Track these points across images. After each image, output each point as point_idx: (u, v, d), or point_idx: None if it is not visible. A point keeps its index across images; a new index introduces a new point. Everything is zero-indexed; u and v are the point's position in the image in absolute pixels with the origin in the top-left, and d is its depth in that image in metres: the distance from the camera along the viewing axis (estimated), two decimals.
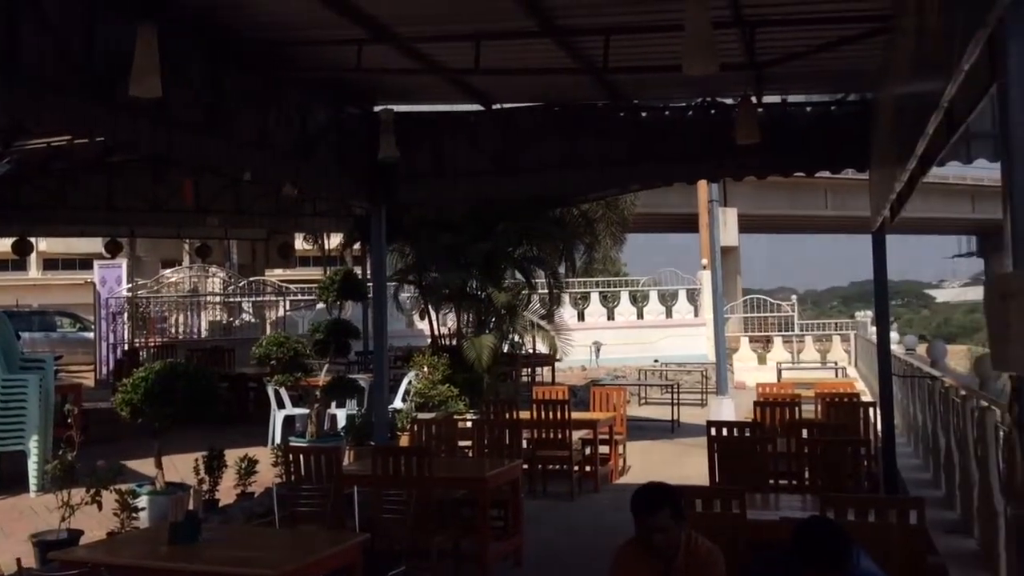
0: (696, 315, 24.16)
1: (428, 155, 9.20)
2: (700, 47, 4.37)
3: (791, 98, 8.65)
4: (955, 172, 34.90)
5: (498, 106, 8.98)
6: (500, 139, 8.93)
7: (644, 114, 8.68)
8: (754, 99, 7.94)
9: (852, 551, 3.50)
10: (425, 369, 11.80)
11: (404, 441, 9.54)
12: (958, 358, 25.86)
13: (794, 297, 29.12)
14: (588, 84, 8.04)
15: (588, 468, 10.24)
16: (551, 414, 9.80)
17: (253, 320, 22.16)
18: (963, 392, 6.03)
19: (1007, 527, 3.62)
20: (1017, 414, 2.42)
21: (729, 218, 34.58)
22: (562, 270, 15.67)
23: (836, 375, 19.87)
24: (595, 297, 25.13)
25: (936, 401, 7.34)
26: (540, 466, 9.97)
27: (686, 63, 4.52)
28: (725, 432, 7.54)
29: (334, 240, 21.05)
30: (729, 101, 8.21)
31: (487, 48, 7.00)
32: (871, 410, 9.29)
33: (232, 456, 8.20)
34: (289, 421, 11.27)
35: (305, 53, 7.42)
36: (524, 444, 9.65)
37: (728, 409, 14.14)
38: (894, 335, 13.06)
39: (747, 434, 7.65)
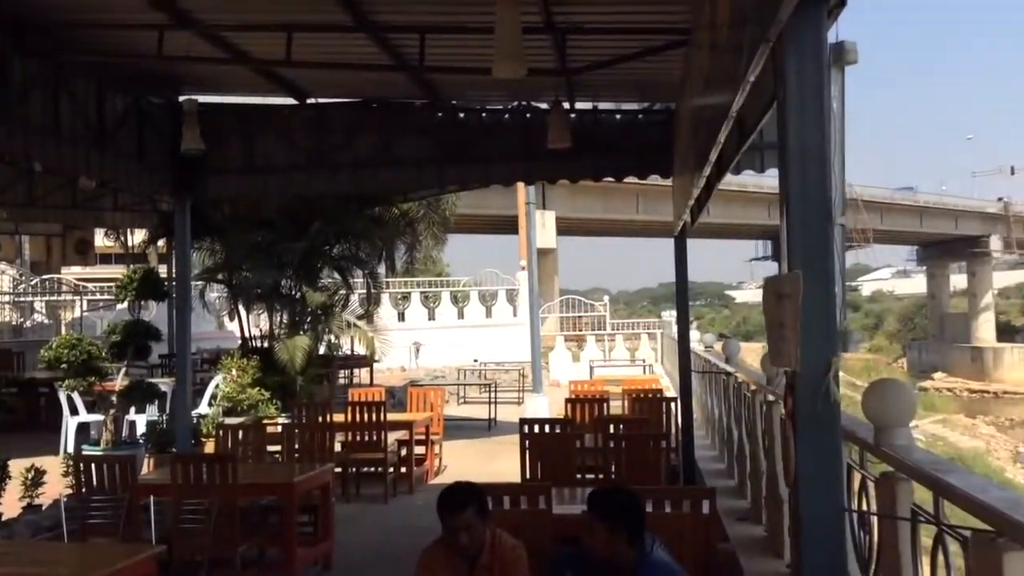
0: (515, 315, 24.61)
1: (238, 149, 8.87)
2: (509, 50, 4.43)
3: (602, 105, 8.94)
4: (754, 180, 37.27)
5: (313, 100, 8.78)
6: (315, 134, 8.73)
7: (462, 115, 8.73)
8: (567, 105, 8.15)
9: (643, 528, 3.64)
10: (234, 372, 11.37)
11: (209, 448, 9.13)
12: (754, 355, 27.62)
13: (606, 298, 30.21)
14: (405, 82, 7.99)
15: (403, 469, 10.18)
16: (366, 416, 9.68)
17: (47, 321, 20.63)
18: (753, 387, 6.43)
19: (790, 514, 3.88)
20: (791, 407, 2.58)
21: (547, 220, 35.43)
22: (382, 270, 15.51)
23: (644, 372, 20.74)
24: (416, 297, 25.10)
25: (730, 395, 7.79)
26: (354, 469, 9.83)
27: (496, 66, 4.57)
28: (536, 429, 7.69)
29: (139, 236, 19.91)
30: (544, 106, 8.40)
31: (300, 40, 6.82)
32: (673, 405, 9.73)
33: (18, 466, 7.58)
34: (84, 428, 10.56)
35: (100, 37, 6.95)
36: (338, 447, 9.48)
37: (542, 406, 14.47)
38: (695, 333, 13.79)
39: (557, 430, 7.83)
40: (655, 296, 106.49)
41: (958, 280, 71.14)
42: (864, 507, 3.57)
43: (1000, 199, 63.26)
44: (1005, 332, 67.19)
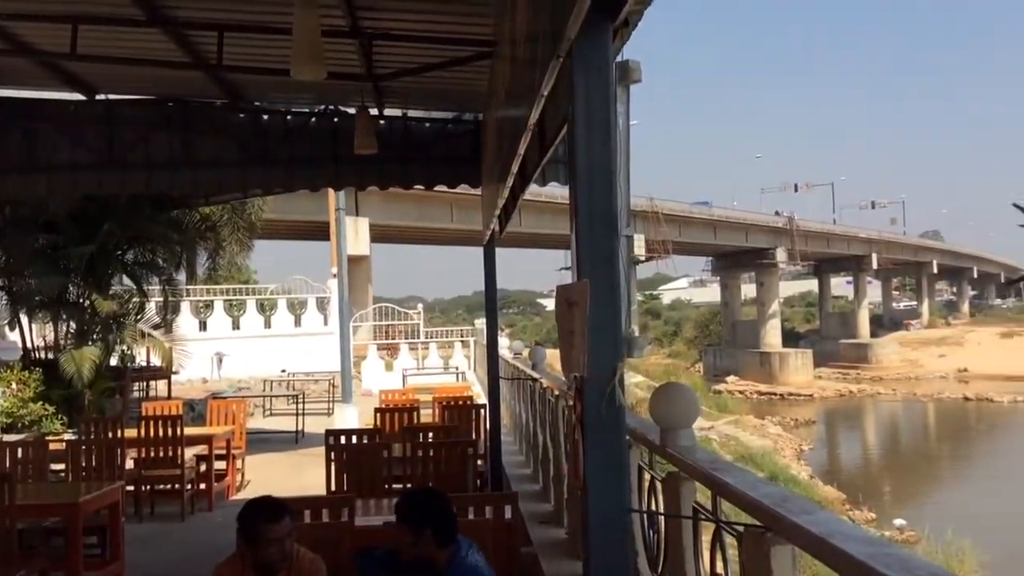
0: (325, 324, 24.12)
1: (18, 145, 8.20)
2: (307, 53, 4.33)
3: (412, 113, 8.91)
4: (562, 192, 38.20)
5: (103, 97, 8.24)
6: (105, 132, 8.20)
7: (265, 117, 8.46)
8: (375, 111, 8.07)
9: (452, 530, 3.64)
10: (13, 386, 10.48)
11: None
12: None
13: (420, 306, 30.18)
14: (204, 81, 7.65)
15: (202, 486, 9.71)
16: (161, 431, 9.17)
17: None
18: (556, 392, 6.59)
19: (579, 516, 4.00)
20: (580, 411, 2.65)
21: (360, 227, 35.01)
22: (182, 277, 14.77)
23: (457, 380, 20.88)
24: (219, 306, 24.10)
25: (536, 401, 7.95)
26: (148, 487, 9.28)
27: (294, 68, 4.45)
28: (343, 440, 7.54)
29: None
30: (353, 111, 8.27)
31: (87, 33, 6.38)
32: (483, 412, 9.83)
33: None
34: None
35: None
36: (131, 464, 8.93)
37: (352, 417, 14.23)
38: (504, 341, 14.02)
39: (365, 441, 7.72)
40: (470, 304, 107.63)
41: (748, 289, 76.36)
42: (653, 507, 3.74)
43: (777, 212, 68.48)
44: (790, 338, 72.72)
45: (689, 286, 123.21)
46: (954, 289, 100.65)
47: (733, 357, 65.87)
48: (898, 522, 22.96)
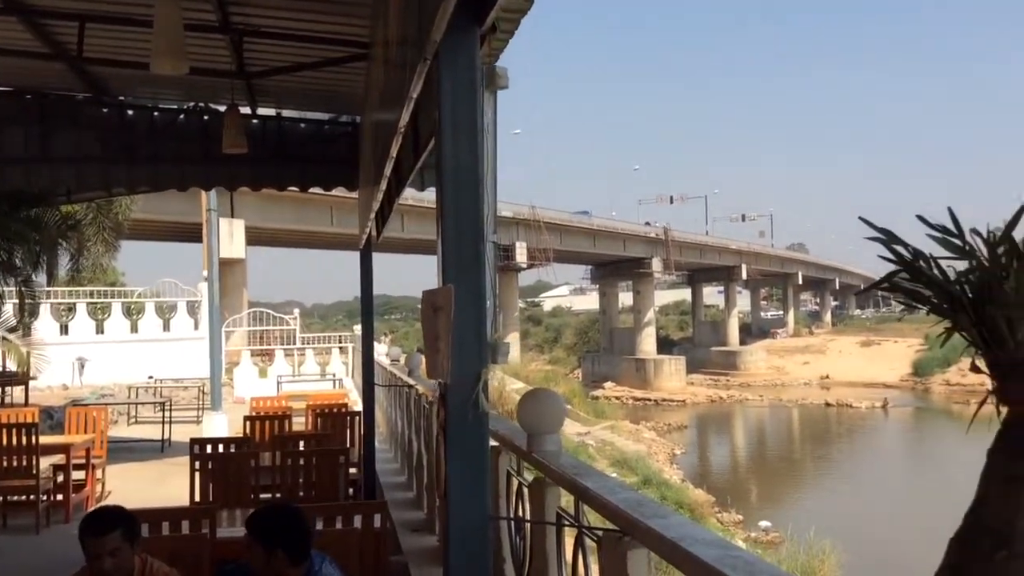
0: (196, 328, 23.30)
1: None
2: (168, 46, 4.16)
3: (287, 113, 8.70)
4: None
5: None
6: None
7: (131, 112, 8.09)
8: (248, 110, 7.84)
9: (305, 546, 3.55)
10: None
11: None
12: None
13: (296, 311, 29.52)
14: (65, 73, 7.25)
15: (59, 496, 9.21)
16: (14, 439, 8.65)
17: None
18: (430, 398, 6.55)
19: (443, 524, 3.97)
20: (443, 418, 2.63)
21: (236, 229, 34.05)
22: (42, 278, 14.00)
23: (334, 387, 20.51)
24: (82, 309, 22.95)
25: (411, 407, 7.88)
26: (0, 498, 8.74)
27: (154, 61, 4.27)
28: (210, 449, 7.30)
29: None
30: (224, 109, 8.01)
31: None
32: (358, 419, 9.68)
33: None
34: None
35: None
36: None
37: (221, 425, 13.80)
38: (383, 347, 13.85)
39: (232, 450, 7.48)
40: (351, 309, 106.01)
41: (626, 297, 78.08)
42: (521, 512, 3.74)
43: (647, 223, 70.36)
44: (664, 345, 74.78)
45: (570, 293, 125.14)
46: (817, 299, 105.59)
47: (611, 364, 67.24)
48: (763, 524, 23.88)
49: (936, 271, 2.25)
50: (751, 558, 1.79)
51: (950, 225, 2.23)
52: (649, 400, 58.57)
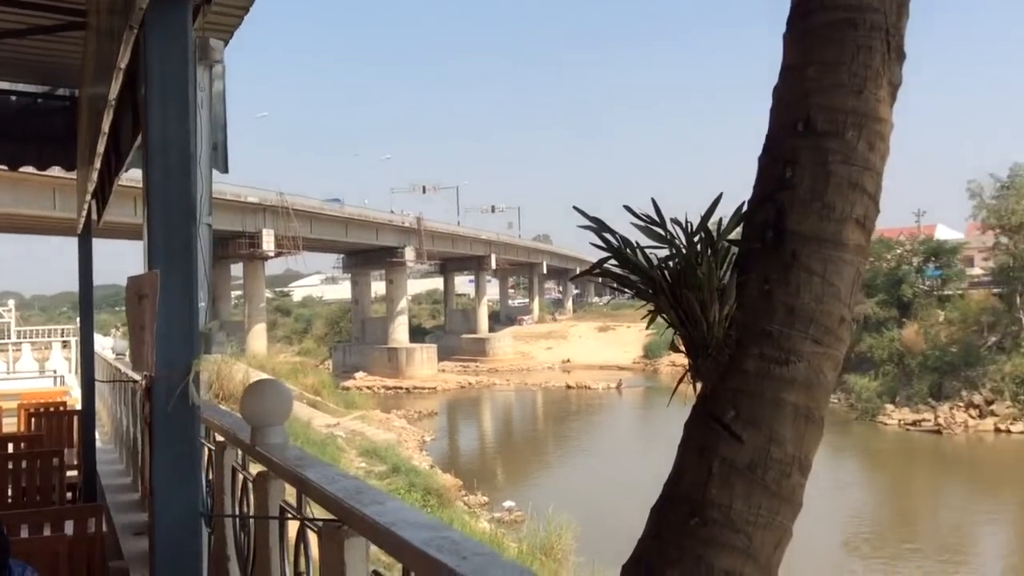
0: None
1: None
2: None
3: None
4: None
5: None
6: None
7: None
8: None
9: (5, 558, 3.22)
10: None
11: None
12: None
13: (11, 302, 26.82)
14: None
15: None
16: None
17: None
18: None
19: (149, 525, 3.75)
20: (149, 413, 2.46)
21: None
22: None
23: (55, 384, 18.81)
24: None
25: (135, 404, 7.39)
26: None
27: None
28: None
29: None
30: None
31: None
32: (76, 418, 8.94)
33: None
34: None
35: None
36: None
37: None
38: (109, 340, 12.87)
39: None
40: (76, 301, 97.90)
41: (379, 287, 77.86)
42: (246, 509, 3.60)
43: (392, 211, 70.49)
44: (417, 334, 75.39)
45: (321, 283, 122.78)
46: (560, 288, 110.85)
47: (362, 354, 66.80)
48: (507, 504, 24.75)
49: (643, 258, 2.41)
50: (458, 537, 1.82)
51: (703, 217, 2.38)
52: (401, 389, 58.87)
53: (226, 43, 4.51)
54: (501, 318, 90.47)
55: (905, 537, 24.23)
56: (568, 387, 59.21)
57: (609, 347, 72.13)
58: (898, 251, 52.55)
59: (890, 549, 22.90)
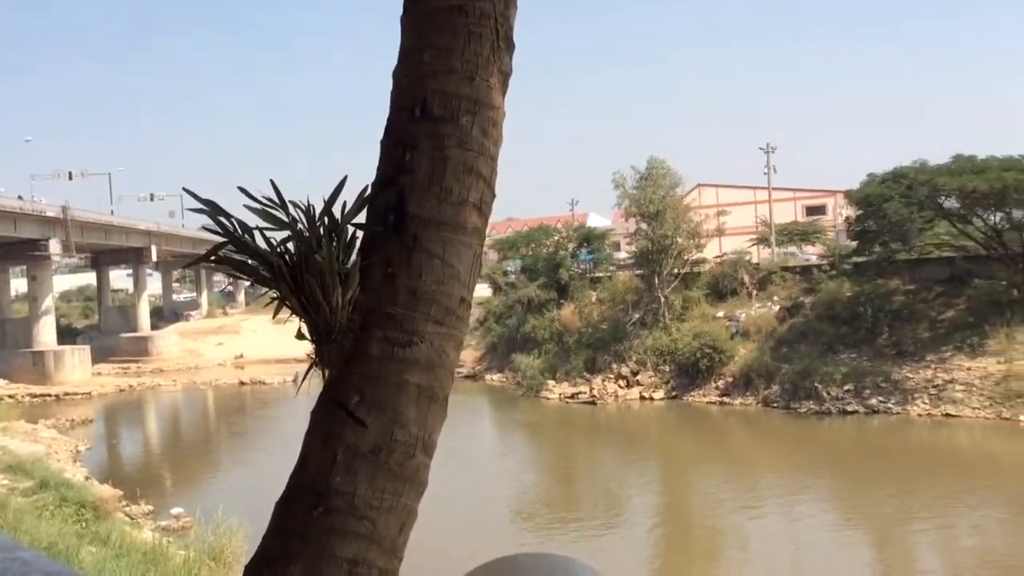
0: None
1: None
2: None
3: None
4: None
5: None
6: None
7: None
8: None
9: None
10: None
11: None
12: None
13: None
14: None
15: None
16: None
17: None
18: None
19: None
20: None
21: None
22: None
23: None
24: None
25: None
26: None
27: None
28: None
29: None
30: None
31: None
32: None
33: None
34: None
35: None
36: None
37: None
38: None
39: None
40: None
41: (20, 284, 69.78)
42: None
43: (19, 197, 63.47)
44: (67, 334, 68.60)
45: None
46: (231, 280, 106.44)
47: (3, 359, 59.50)
48: (175, 510, 23.38)
49: (265, 243, 2.30)
50: (31, 557, 1.62)
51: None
52: (50, 396, 53.21)
53: None
54: (166, 314, 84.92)
55: (567, 504, 26.26)
56: (241, 383, 57.06)
57: (285, 340, 69.86)
58: (555, 237, 56.70)
59: (554, 515, 24.68)
